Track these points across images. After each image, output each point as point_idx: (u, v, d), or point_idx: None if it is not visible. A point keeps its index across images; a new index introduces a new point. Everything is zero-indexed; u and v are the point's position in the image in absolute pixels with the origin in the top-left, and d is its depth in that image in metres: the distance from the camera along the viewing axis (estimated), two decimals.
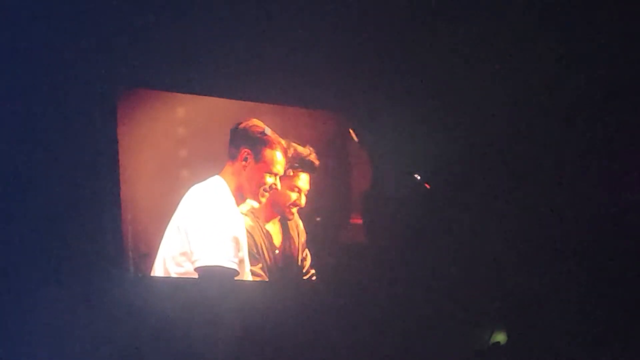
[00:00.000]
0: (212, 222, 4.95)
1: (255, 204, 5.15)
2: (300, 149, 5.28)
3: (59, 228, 4.47)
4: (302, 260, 5.36)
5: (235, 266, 4.96)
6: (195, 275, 4.91)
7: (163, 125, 5.02)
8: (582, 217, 5.60)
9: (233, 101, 5.18)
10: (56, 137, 4.51)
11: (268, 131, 5.09)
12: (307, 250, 5.37)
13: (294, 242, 5.36)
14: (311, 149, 5.30)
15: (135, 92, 4.92)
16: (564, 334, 5.46)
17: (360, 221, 5.53)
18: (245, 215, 5.15)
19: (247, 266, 5.06)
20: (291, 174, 5.24)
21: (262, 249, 5.18)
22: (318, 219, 5.39)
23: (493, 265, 5.53)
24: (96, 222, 4.59)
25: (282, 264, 5.31)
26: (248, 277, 5.07)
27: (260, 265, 5.16)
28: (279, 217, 5.33)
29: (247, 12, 5.08)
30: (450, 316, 5.43)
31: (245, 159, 5.07)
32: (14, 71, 4.39)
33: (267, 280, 5.15)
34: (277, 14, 5.14)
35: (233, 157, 5.08)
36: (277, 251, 5.27)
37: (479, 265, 5.51)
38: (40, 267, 4.38)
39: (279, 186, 5.10)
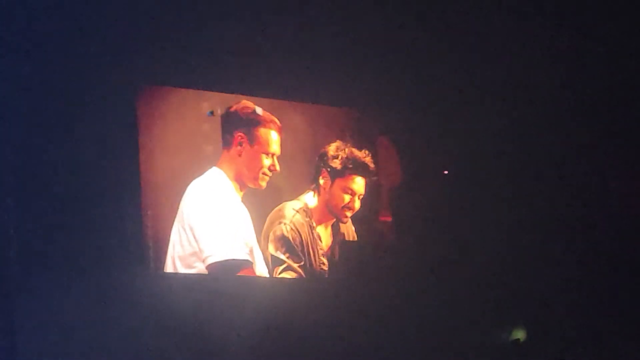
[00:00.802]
0: (216, 216, 4.87)
1: (308, 202, 5.19)
2: (356, 151, 5.24)
3: (79, 224, 4.48)
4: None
5: (247, 257, 4.90)
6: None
7: (183, 122, 4.96)
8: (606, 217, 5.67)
9: (256, 98, 5.09)
10: (76, 134, 4.53)
11: (259, 110, 4.99)
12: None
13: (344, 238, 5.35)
14: (367, 152, 5.27)
15: (154, 90, 4.89)
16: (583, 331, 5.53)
17: (389, 219, 5.48)
18: (297, 212, 5.14)
19: (259, 254, 5.00)
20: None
21: (307, 247, 5.15)
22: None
23: (521, 264, 5.54)
24: (117, 219, 4.57)
25: (326, 265, 5.26)
26: (263, 267, 5.04)
27: (301, 263, 5.13)
28: (334, 220, 5.29)
29: (268, 9, 5.08)
30: (476, 313, 5.43)
31: (240, 144, 4.96)
32: (35, 68, 4.43)
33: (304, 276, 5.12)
34: (300, 11, 5.14)
35: (227, 144, 4.97)
36: (321, 251, 5.22)
37: (508, 263, 5.51)
38: (59, 263, 4.41)
39: (277, 167, 5.00)
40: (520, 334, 5.45)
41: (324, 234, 5.26)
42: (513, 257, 5.50)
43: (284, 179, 5.14)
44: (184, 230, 4.81)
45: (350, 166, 5.22)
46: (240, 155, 4.96)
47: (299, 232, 5.10)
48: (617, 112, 5.68)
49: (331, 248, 5.27)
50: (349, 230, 5.34)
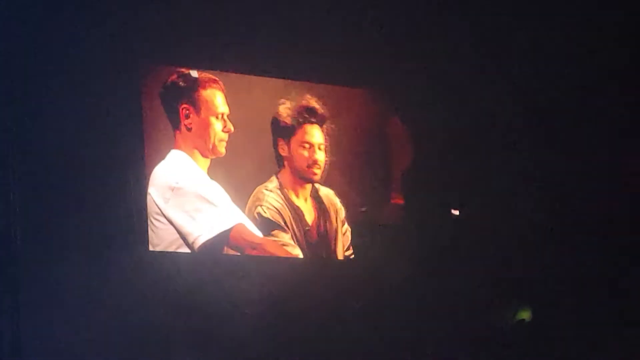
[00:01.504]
0: (191, 196, 4.59)
1: (280, 179, 4.88)
2: (300, 99, 4.93)
3: (83, 204, 4.32)
4: (339, 237, 5.03)
5: (234, 221, 4.63)
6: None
7: None
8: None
9: (268, 79, 4.90)
10: (82, 114, 4.36)
11: (195, 73, 4.67)
12: (347, 226, 5.02)
13: (331, 219, 4.99)
14: (310, 96, 4.95)
15: (158, 69, 4.67)
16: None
17: (401, 202, 5.18)
18: (271, 191, 4.83)
19: (244, 218, 4.72)
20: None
21: (291, 226, 4.86)
22: (363, 209, 5.09)
23: (534, 246, 5.34)
24: (120, 199, 4.41)
25: (315, 241, 4.94)
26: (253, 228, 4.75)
27: (289, 235, 4.84)
28: (310, 188, 4.96)
29: None
30: (484, 297, 5.20)
31: (187, 116, 4.63)
32: (39, 47, 4.33)
33: (296, 248, 4.86)
34: None
35: (176, 123, 4.63)
36: (307, 228, 4.92)
37: (520, 246, 5.31)
38: (63, 243, 4.25)
39: (231, 127, 4.68)
40: (526, 315, 5.27)
41: (306, 209, 4.97)
42: (525, 239, 5.33)
43: (251, 164, 4.89)
44: (158, 221, 4.54)
45: (300, 119, 4.92)
46: (190, 129, 4.65)
47: (279, 211, 4.84)
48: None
49: (317, 222, 4.99)
50: (334, 203, 5.03)
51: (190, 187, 4.57)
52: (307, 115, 4.91)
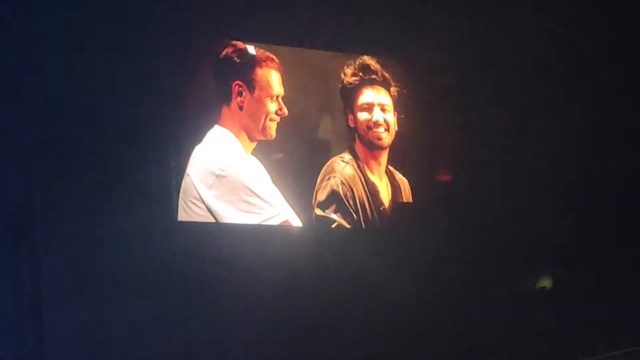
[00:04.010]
0: (237, 186, 4.35)
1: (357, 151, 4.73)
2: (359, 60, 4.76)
3: (108, 172, 4.22)
4: None
5: (282, 218, 4.42)
6: None
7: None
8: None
9: (323, 52, 4.74)
10: (126, 82, 4.24)
11: (252, 49, 4.44)
12: None
13: (401, 197, 4.87)
14: (368, 57, 4.76)
15: (226, 44, 4.46)
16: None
17: (448, 178, 5.07)
18: (347, 163, 4.68)
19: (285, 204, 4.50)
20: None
21: (363, 203, 4.69)
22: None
23: (569, 220, 5.28)
24: (145, 168, 4.28)
25: (389, 220, 4.79)
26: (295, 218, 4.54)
27: (354, 218, 4.66)
28: (385, 165, 4.79)
29: None
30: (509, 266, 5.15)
31: (240, 93, 4.38)
32: (107, 23, 4.23)
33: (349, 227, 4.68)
34: None
35: (226, 97, 4.39)
36: (382, 207, 4.77)
37: (569, 220, 5.27)
38: (91, 208, 4.18)
39: (285, 110, 4.46)
40: (546, 282, 5.27)
41: (382, 186, 4.81)
42: (564, 213, 5.27)
43: (329, 133, 4.77)
44: (195, 205, 4.31)
45: (359, 80, 4.73)
46: (242, 108, 4.40)
47: (350, 186, 4.66)
48: None
49: (392, 200, 4.83)
50: (404, 184, 4.88)
51: (236, 176, 4.33)
52: (363, 74, 4.72)
